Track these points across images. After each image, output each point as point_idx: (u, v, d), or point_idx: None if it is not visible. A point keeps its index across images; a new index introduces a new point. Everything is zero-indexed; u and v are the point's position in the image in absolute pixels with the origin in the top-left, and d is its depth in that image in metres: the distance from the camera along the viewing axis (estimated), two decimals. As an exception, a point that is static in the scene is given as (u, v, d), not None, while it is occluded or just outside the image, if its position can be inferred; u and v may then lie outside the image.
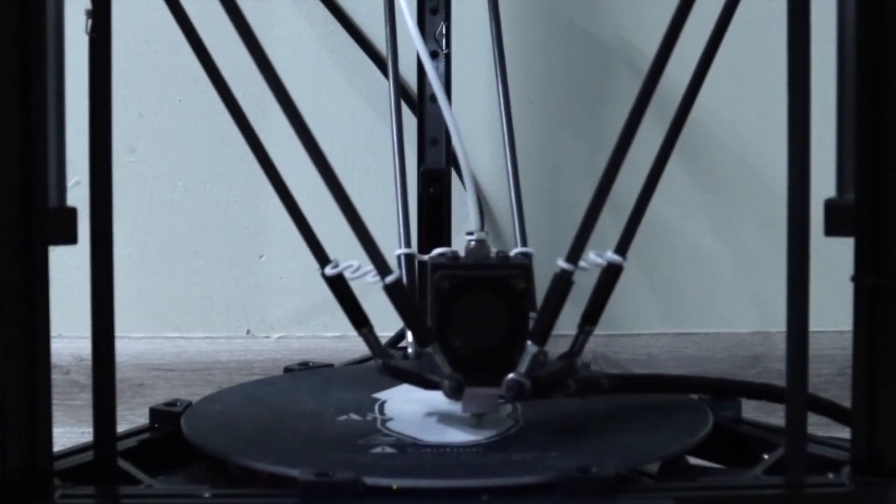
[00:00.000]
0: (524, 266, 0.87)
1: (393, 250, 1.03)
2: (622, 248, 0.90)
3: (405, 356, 0.98)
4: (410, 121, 1.26)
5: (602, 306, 0.90)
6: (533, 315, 0.90)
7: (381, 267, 0.82)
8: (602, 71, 1.33)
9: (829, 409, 0.94)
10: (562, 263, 0.84)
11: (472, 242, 0.89)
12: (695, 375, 1.01)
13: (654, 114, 0.85)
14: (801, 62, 0.77)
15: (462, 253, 0.89)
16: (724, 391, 0.95)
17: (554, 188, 1.32)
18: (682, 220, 1.37)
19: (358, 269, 0.86)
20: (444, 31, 1.19)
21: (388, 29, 1.15)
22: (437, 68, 1.20)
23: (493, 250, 0.89)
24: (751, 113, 1.35)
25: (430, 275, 0.86)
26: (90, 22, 0.78)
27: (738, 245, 1.37)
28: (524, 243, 1.05)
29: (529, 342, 0.85)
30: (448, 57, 1.19)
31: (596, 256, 0.88)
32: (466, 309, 0.85)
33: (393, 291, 0.83)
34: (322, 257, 0.87)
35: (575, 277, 0.85)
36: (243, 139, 0.88)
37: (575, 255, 0.84)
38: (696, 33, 0.89)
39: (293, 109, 0.82)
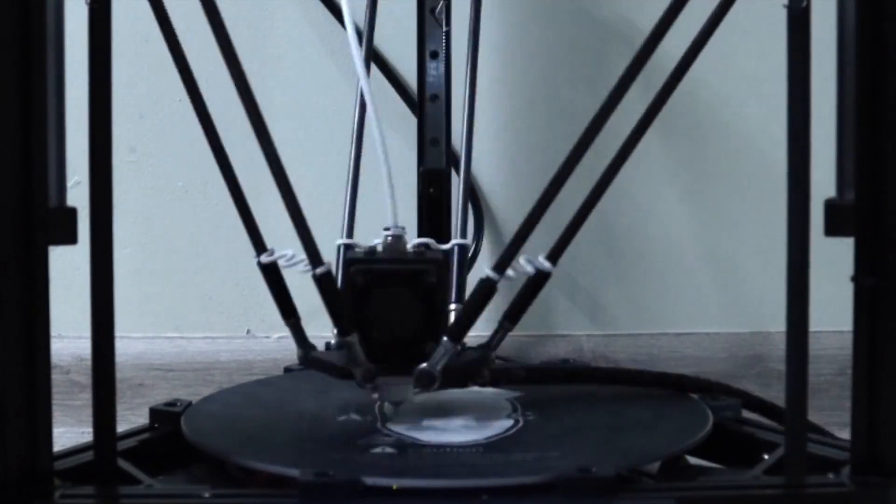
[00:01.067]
0: (437, 261, 0.89)
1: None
2: (555, 254, 0.87)
3: (328, 348, 0.99)
4: (411, 121, 1.26)
5: (524, 309, 0.88)
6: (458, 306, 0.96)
7: (314, 257, 0.84)
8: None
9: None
10: (488, 272, 0.85)
11: (389, 237, 0.90)
12: (618, 367, 1.02)
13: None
14: (801, 63, 0.77)
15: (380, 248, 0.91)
16: (642, 383, 0.97)
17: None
18: (682, 221, 1.37)
19: (292, 258, 0.88)
20: (443, 9, 1.19)
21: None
22: (436, 68, 1.20)
23: (410, 244, 0.91)
24: (747, 105, 1.35)
25: (345, 269, 0.89)
26: None
27: (738, 245, 1.37)
28: (463, 235, 1.06)
29: (445, 338, 0.86)
30: (448, 17, 1.19)
31: (526, 263, 0.87)
32: (381, 302, 0.88)
33: (322, 282, 0.84)
34: (259, 245, 0.89)
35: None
36: (203, 129, 0.89)
37: (503, 264, 0.85)
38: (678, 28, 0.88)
39: (251, 99, 0.82)
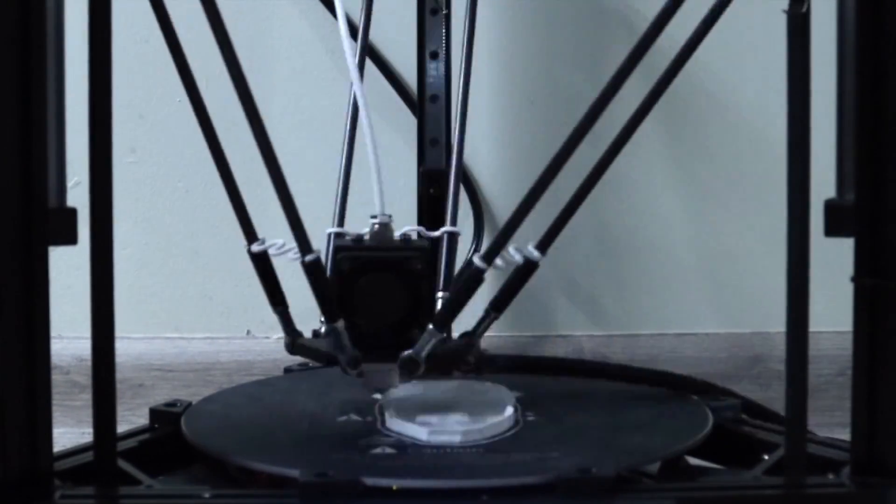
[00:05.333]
0: (423, 248, 0.91)
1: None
2: (544, 244, 0.89)
3: (316, 335, 1.00)
4: (410, 121, 1.26)
5: (510, 298, 0.89)
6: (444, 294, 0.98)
7: (303, 245, 0.84)
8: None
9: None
10: (476, 261, 0.86)
11: (376, 225, 0.91)
12: (603, 362, 1.03)
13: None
14: (801, 63, 0.77)
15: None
16: (632, 378, 0.98)
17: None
18: (682, 221, 1.37)
19: (282, 246, 0.90)
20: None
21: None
22: (436, 69, 1.20)
23: (397, 233, 0.92)
24: (749, 103, 1.35)
25: (333, 256, 0.90)
26: None
27: (738, 244, 1.37)
28: (453, 223, 1.06)
29: (431, 325, 0.87)
30: (448, 17, 1.19)
31: (515, 253, 0.88)
32: (367, 289, 0.89)
33: (311, 269, 0.85)
34: (251, 235, 0.92)
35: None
36: (200, 122, 0.91)
37: (491, 254, 0.86)
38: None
39: (245, 88, 0.82)
